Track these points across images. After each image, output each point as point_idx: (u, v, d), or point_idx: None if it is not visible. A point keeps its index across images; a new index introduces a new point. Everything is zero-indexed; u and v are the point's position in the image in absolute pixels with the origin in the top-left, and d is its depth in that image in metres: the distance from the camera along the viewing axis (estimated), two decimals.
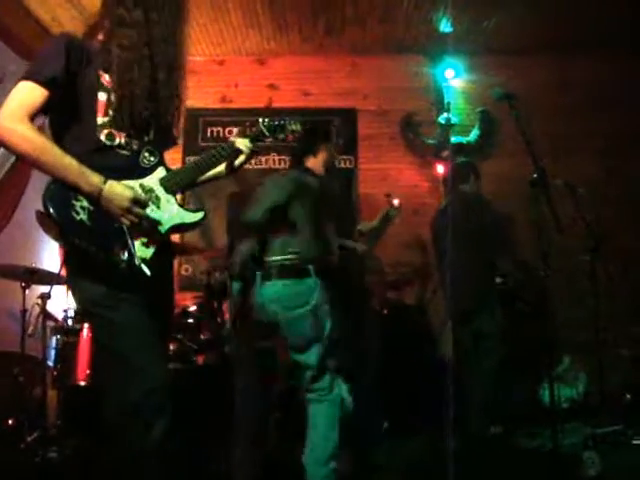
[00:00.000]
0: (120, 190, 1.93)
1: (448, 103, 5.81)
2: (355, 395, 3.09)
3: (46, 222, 2.76)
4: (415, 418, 4.42)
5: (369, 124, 5.97)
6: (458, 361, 4.07)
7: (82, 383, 3.95)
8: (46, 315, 4.10)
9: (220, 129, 5.92)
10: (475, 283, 3.99)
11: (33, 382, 4.10)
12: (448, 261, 3.94)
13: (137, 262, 1.97)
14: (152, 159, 2.13)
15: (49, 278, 4.10)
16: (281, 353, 3.26)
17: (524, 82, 5.58)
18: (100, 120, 2.00)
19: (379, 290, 5.36)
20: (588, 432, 3.69)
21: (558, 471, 2.90)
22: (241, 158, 2.46)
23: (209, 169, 2.36)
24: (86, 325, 4.00)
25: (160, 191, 2.12)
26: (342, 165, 5.80)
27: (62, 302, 4.75)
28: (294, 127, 2.63)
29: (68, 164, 1.87)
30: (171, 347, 4.20)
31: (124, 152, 2.04)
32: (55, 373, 4.10)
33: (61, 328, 4.27)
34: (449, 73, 5.94)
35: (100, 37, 2.09)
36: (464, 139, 5.83)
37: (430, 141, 5.86)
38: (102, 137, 1.99)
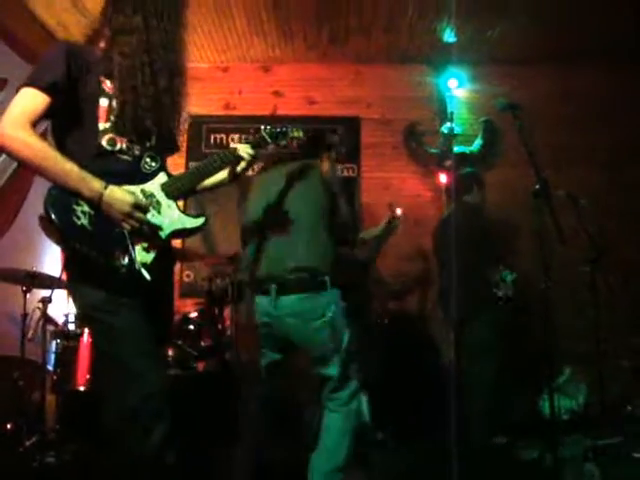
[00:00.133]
0: (121, 195, 1.94)
1: (451, 113, 5.81)
2: None
3: (48, 226, 2.76)
4: (415, 428, 4.40)
5: (372, 133, 5.97)
6: (458, 371, 4.06)
7: (81, 388, 3.94)
8: (47, 319, 4.10)
9: (223, 136, 5.91)
10: (471, 293, 3.98)
11: (32, 386, 4.09)
12: (447, 271, 3.94)
13: (137, 267, 1.97)
14: (153, 164, 2.13)
15: (50, 282, 4.09)
16: (291, 365, 3.25)
17: (527, 92, 5.58)
18: (102, 126, 2.01)
19: (380, 300, 5.36)
20: (588, 444, 3.67)
21: None
22: (242, 164, 2.47)
23: (210, 175, 2.37)
24: (86, 330, 3.99)
25: (161, 196, 2.13)
26: (345, 173, 5.80)
27: (63, 306, 4.75)
28: (296, 134, 2.64)
29: (69, 170, 1.88)
30: (171, 353, 4.19)
31: (125, 157, 2.06)
32: (55, 378, 4.08)
33: (61, 332, 4.26)
34: (452, 83, 5.93)
35: (102, 45, 2.10)
36: (467, 149, 5.82)
37: (433, 150, 5.85)
38: (104, 142, 2.01)
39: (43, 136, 1.94)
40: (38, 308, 4.05)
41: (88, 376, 3.95)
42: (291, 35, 5.52)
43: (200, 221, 2.24)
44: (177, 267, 5.36)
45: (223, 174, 2.52)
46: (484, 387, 4.03)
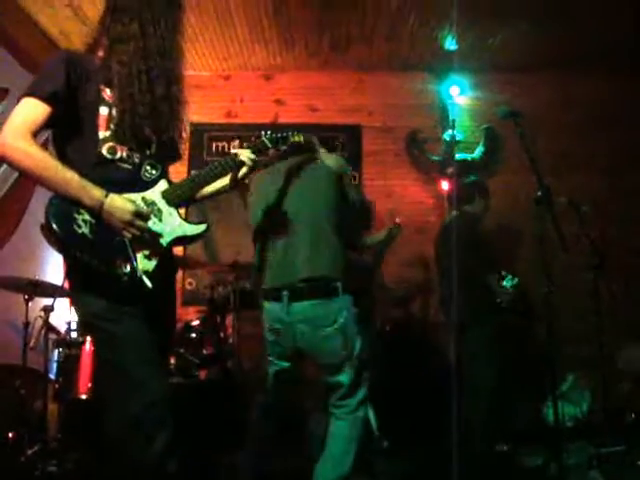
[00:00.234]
0: (121, 203, 1.94)
1: (453, 120, 5.81)
2: None
3: (49, 235, 2.76)
4: (418, 435, 4.38)
5: (374, 140, 5.98)
6: (460, 377, 4.04)
7: (83, 396, 3.93)
8: (49, 328, 4.09)
9: (225, 144, 5.91)
10: (472, 299, 3.97)
11: (34, 395, 4.07)
12: (447, 278, 3.93)
13: (139, 275, 1.97)
14: (154, 172, 2.14)
15: (52, 291, 4.09)
16: (298, 373, 3.23)
17: (529, 99, 5.60)
18: (102, 134, 2.02)
19: (383, 307, 5.35)
20: (592, 452, 3.66)
21: None
22: (244, 170, 2.47)
23: (212, 181, 2.37)
24: (88, 338, 3.99)
25: (162, 204, 2.13)
26: None
27: (65, 315, 4.74)
28: (297, 138, 2.64)
29: (70, 179, 1.88)
30: (173, 361, 4.19)
31: (126, 166, 2.06)
32: (56, 386, 4.07)
33: (63, 341, 4.25)
34: (454, 90, 5.94)
35: (100, 54, 2.11)
36: (469, 156, 5.83)
37: (435, 158, 5.86)
38: (104, 151, 2.01)
39: (44, 146, 1.95)
40: (40, 317, 4.03)
41: (90, 384, 3.94)
42: (292, 43, 5.54)
43: (201, 228, 2.25)
44: (179, 275, 5.36)
45: (224, 181, 2.52)
46: (486, 393, 4.01)
